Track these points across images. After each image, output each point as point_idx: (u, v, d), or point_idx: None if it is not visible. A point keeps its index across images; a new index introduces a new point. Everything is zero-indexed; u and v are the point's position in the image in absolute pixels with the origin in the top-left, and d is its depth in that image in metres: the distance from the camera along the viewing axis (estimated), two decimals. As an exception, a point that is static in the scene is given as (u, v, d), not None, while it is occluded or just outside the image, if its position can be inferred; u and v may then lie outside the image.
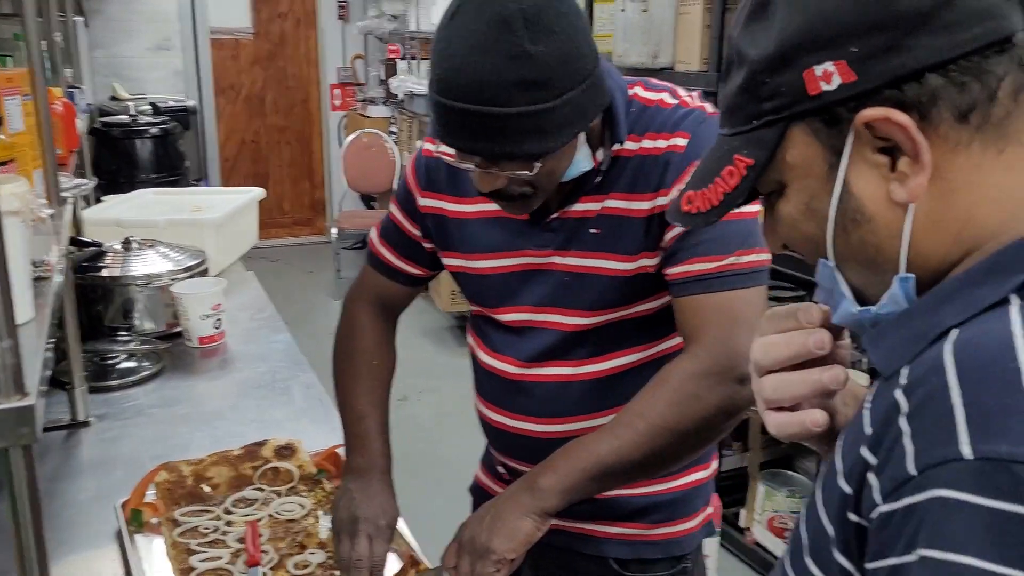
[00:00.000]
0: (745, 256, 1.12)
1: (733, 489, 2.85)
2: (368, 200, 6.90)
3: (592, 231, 1.19)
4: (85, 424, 1.66)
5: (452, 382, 4.21)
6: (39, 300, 1.02)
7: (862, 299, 0.68)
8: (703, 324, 1.12)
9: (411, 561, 1.24)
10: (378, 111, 6.72)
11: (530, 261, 1.23)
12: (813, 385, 0.70)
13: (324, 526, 1.31)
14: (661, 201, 1.15)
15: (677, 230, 1.14)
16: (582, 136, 1.12)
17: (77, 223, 2.41)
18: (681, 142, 1.15)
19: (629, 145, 1.17)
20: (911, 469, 0.52)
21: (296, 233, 7.43)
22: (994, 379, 0.52)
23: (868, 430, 0.58)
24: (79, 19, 3.77)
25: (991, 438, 0.50)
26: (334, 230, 6.05)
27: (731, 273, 1.12)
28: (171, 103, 4.61)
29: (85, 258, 2.03)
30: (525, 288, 1.24)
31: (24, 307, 0.95)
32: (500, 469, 1.39)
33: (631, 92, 1.19)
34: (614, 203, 1.18)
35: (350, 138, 6.27)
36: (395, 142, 6.34)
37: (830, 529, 0.61)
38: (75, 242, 2.09)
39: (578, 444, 1.14)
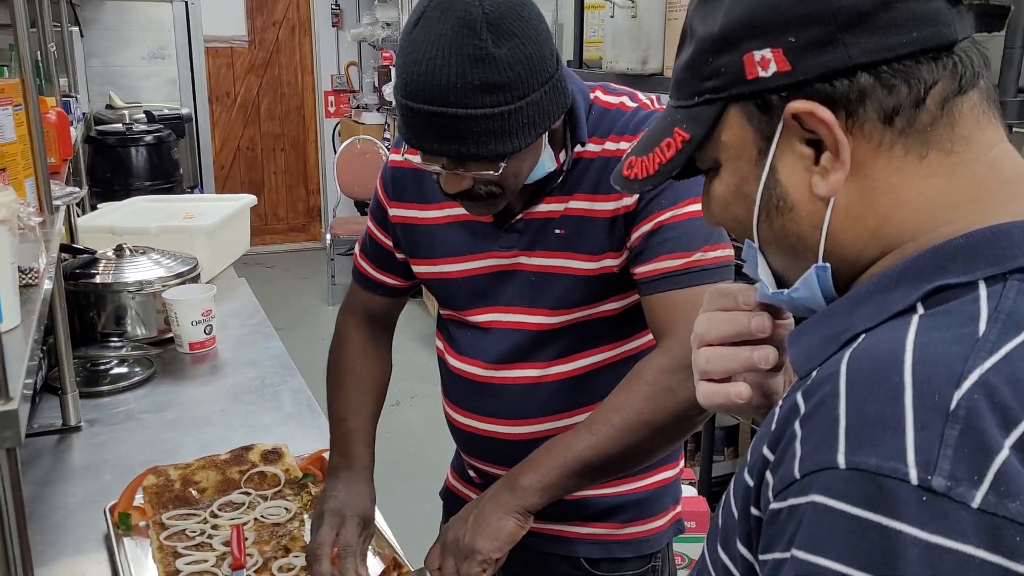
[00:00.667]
0: (711, 252, 1.15)
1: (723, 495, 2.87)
2: (362, 206, 6.92)
3: (556, 231, 1.21)
4: (76, 429, 1.68)
5: (445, 387, 4.23)
6: (27, 307, 1.04)
7: (782, 282, 0.70)
8: (673, 320, 1.15)
9: (393, 563, 1.26)
10: (372, 118, 6.74)
11: (497, 263, 1.25)
12: (743, 362, 0.73)
13: (309, 530, 1.33)
14: (626, 202, 1.17)
15: (643, 229, 1.17)
16: (545, 137, 1.14)
17: (71, 230, 2.43)
18: None
19: (591, 147, 1.20)
20: (796, 472, 0.54)
21: (291, 239, 7.45)
22: (877, 390, 0.53)
23: (772, 427, 0.60)
24: (74, 29, 3.80)
25: (863, 450, 0.51)
26: (328, 236, 6.07)
27: (698, 269, 1.15)
28: (166, 111, 4.64)
29: (78, 265, 2.05)
30: (493, 289, 1.26)
31: (10, 313, 0.97)
32: (471, 473, 1.41)
33: (592, 96, 1.22)
34: (577, 204, 1.20)
35: (344, 145, 6.29)
36: (388, 148, 6.37)
37: (735, 519, 0.62)
38: (68, 249, 2.11)
39: (556, 442, 1.16)
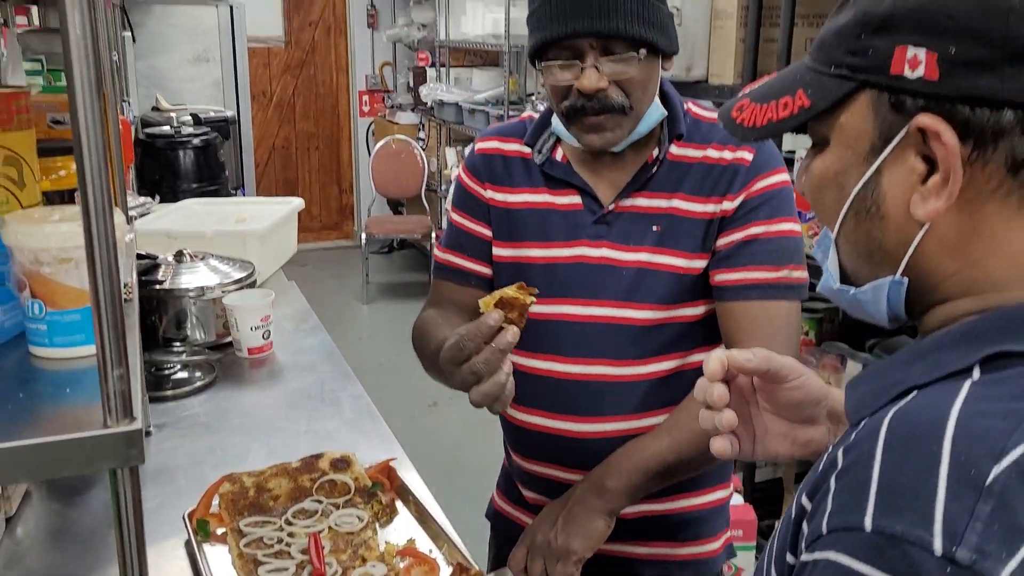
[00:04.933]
0: (796, 272, 1.21)
1: (767, 501, 2.88)
2: (396, 206, 6.97)
3: (654, 228, 1.25)
4: (148, 434, 1.71)
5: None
6: (128, 322, 1.07)
7: (846, 278, 0.68)
8: (754, 329, 1.19)
9: (460, 568, 1.29)
10: (406, 118, 6.79)
11: (584, 253, 1.28)
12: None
13: (382, 539, 1.35)
14: (725, 207, 1.22)
15: (734, 237, 1.22)
16: (658, 80, 1.23)
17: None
18: (747, 156, 1.23)
19: (691, 152, 1.25)
20: (824, 527, 0.54)
21: (324, 238, 7.52)
22: (914, 457, 0.52)
23: (814, 476, 0.59)
24: (126, 34, 3.86)
25: (891, 515, 0.51)
26: (363, 235, 6.12)
27: (784, 285, 1.20)
28: (211, 114, 4.71)
29: (141, 270, 2.09)
30: (575, 280, 1.28)
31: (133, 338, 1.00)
32: (526, 493, 1.43)
33: (686, 105, 1.29)
34: (679, 203, 1.24)
35: (379, 144, 6.34)
36: (423, 148, 6.40)
37: (775, 563, 0.62)
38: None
39: (637, 445, 1.20)
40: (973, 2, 0.56)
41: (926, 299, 0.63)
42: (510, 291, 1.06)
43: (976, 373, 0.56)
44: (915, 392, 0.58)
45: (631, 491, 1.18)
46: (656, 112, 1.24)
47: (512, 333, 1.03)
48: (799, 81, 0.66)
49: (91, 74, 0.72)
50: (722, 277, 1.23)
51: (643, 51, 1.16)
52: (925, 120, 0.58)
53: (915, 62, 0.58)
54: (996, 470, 0.50)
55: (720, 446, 0.82)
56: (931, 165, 0.59)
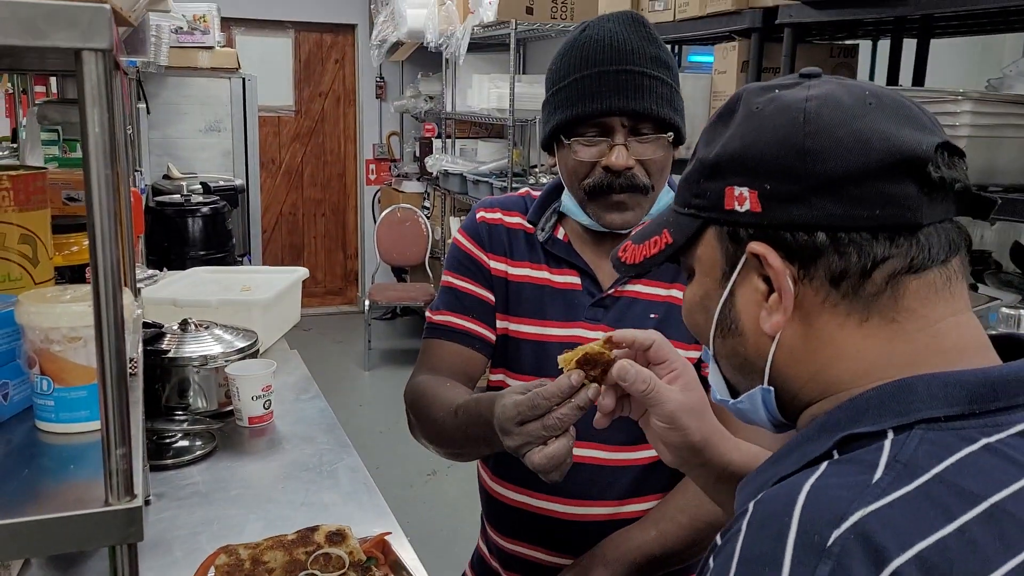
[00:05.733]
0: None
1: None
2: (400, 273, 7.03)
3: (652, 316, 1.26)
4: (147, 503, 1.73)
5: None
6: (132, 397, 1.10)
7: (733, 390, 0.76)
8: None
9: None
10: (412, 186, 6.90)
11: (580, 334, 1.28)
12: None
13: (376, 612, 1.36)
14: None
15: None
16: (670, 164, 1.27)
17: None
18: None
19: None
20: None
21: (328, 303, 7.57)
22: (767, 529, 0.58)
23: (702, 559, 0.65)
24: (141, 106, 3.97)
25: None
26: (367, 302, 6.17)
27: None
28: (221, 182, 4.81)
29: (146, 339, 2.12)
30: None
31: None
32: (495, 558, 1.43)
33: None
34: (679, 293, 1.26)
35: (385, 212, 6.43)
36: (427, 217, 6.49)
37: None
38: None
39: (623, 537, 1.20)
40: (777, 147, 0.66)
41: (795, 404, 0.71)
42: (595, 347, 0.97)
43: (836, 455, 0.63)
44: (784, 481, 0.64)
45: None
46: (667, 196, 1.27)
47: (593, 390, 0.95)
48: (665, 222, 0.77)
49: (108, 171, 0.77)
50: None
51: (671, 134, 1.22)
52: (756, 247, 0.67)
53: (741, 199, 0.68)
54: (836, 533, 0.55)
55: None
56: (769, 284, 0.68)
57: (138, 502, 0.82)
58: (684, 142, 1.27)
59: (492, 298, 1.36)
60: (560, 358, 0.99)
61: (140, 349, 1.24)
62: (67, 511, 0.80)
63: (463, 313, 1.36)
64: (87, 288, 0.94)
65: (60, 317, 0.95)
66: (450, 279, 1.39)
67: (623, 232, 1.28)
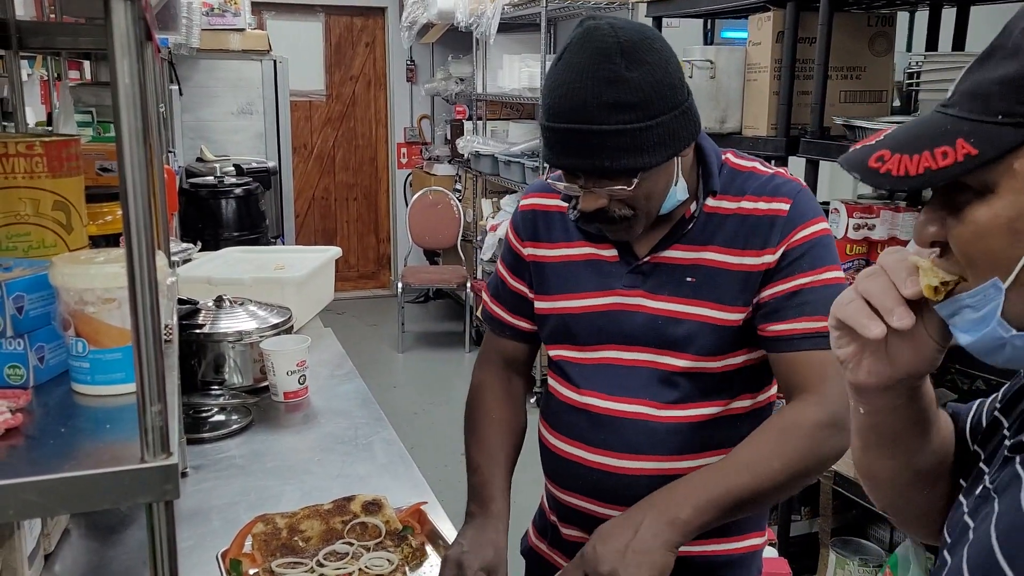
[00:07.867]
0: None
1: (802, 556, 2.82)
2: (432, 256, 7.03)
3: (688, 279, 1.26)
4: (184, 475, 1.74)
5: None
6: (167, 362, 1.10)
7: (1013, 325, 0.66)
8: (821, 377, 1.19)
9: None
10: (443, 169, 6.89)
11: (619, 301, 1.30)
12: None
13: (412, 581, 1.36)
14: (768, 259, 1.23)
15: (779, 288, 1.22)
16: (678, 167, 1.21)
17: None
18: (783, 206, 1.24)
19: (726, 203, 1.26)
20: None
21: (362, 287, 7.60)
22: None
23: None
24: (173, 88, 4.00)
25: None
26: (400, 285, 6.18)
27: None
28: (254, 164, 4.84)
29: (182, 315, 2.13)
30: (614, 326, 1.30)
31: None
32: (561, 531, 1.43)
33: (723, 156, 1.30)
34: (712, 255, 1.25)
35: (416, 195, 6.43)
36: (459, 199, 6.48)
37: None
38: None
39: (710, 477, 1.18)
40: None
41: None
42: None
43: None
44: None
45: (703, 527, 1.15)
46: (675, 197, 1.24)
47: None
48: (952, 132, 0.66)
49: (138, 122, 0.76)
50: (772, 329, 1.23)
51: (634, 180, 1.16)
52: None
53: None
54: None
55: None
56: None
57: (174, 459, 0.82)
58: (688, 145, 1.20)
59: (526, 291, 1.42)
60: None
61: (175, 319, 1.24)
62: (104, 468, 0.80)
63: (502, 304, 1.48)
64: (121, 251, 0.94)
65: (94, 278, 0.95)
66: (499, 266, 1.49)
67: None
